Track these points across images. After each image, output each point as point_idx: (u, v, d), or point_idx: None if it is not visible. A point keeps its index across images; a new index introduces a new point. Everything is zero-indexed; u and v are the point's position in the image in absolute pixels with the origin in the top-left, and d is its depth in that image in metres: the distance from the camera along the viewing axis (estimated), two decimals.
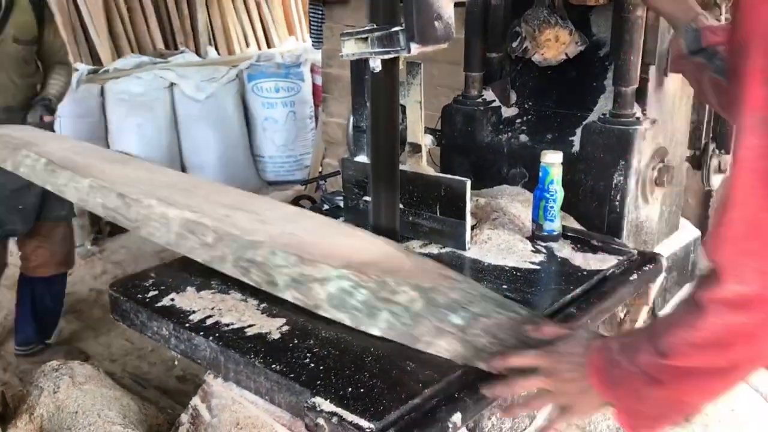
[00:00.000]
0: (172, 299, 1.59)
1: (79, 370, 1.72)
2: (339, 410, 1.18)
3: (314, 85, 5.27)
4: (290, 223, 1.58)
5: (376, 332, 1.35)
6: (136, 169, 1.96)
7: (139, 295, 1.62)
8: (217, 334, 1.43)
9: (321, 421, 1.18)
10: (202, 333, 1.44)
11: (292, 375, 1.28)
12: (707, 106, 1.86)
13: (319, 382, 1.25)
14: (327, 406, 1.19)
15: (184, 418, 1.60)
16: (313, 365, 1.31)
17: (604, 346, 1.12)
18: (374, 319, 1.34)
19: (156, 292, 1.63)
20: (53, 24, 3.11)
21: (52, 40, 3.07)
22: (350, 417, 1.16)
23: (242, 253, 1.47)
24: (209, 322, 1.48)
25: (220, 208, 1.61)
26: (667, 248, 2.23)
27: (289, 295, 1.43)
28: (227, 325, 1.47)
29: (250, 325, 1.46)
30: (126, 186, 1.69)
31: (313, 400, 1.21)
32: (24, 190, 2.74)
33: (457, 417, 1.21)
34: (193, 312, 1.53)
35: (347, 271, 1.33)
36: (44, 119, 2.87)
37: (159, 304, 1.58)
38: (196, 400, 1.56)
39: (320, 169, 4.59)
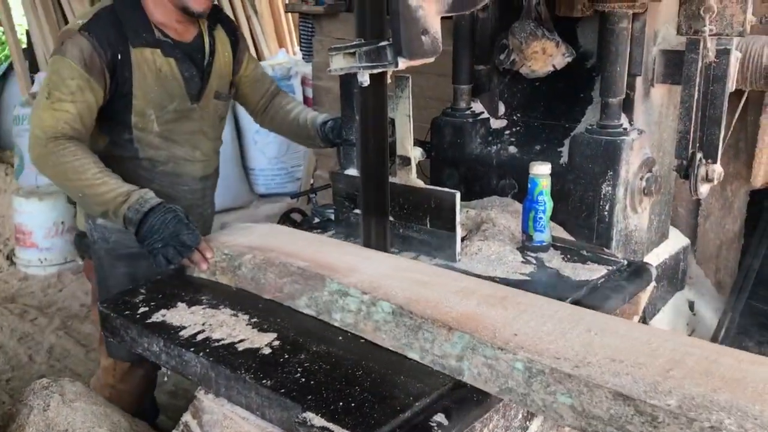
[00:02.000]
0: (163, 315, 1.59)
1: (69, 388, 1.71)
2: (330, 425, 1.18)
3: (305, 98, 5.28)
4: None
5: None
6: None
7: (130, 312, 1.62)
8: (207, 350, 1.43)
9: None
10: (192, 349, 1.44)
11: (283, 390, 1.28)
12: (693, 116, 1.88)
13: (310, 397, 1.25)
14: (318, 421, 1.19)
15: None
16: (304, 380, 1.31)
17: None
18: None
19: (146, 308, 1.62)
20: (248, 52, 2.36)
21: (256, 76, 2.37)
22: None
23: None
24: (200, 337, 1.48)
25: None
26: (656, 257, 2.25)
27: None
28: (218, 340, 1.46)
29: (240, 341, 1.46)
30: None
31: (304, 415, 1.21)
32: None
33: (447, 429, 1.21)
34: (184, 328, 1.52)
35: None
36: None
37: (149, 320, 1.57)
38: (187, 416, 1.55)
39: (311, 182, 4.59)
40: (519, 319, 1.35)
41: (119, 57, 1.94)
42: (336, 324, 1.50)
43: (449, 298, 1.44)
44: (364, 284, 1.50)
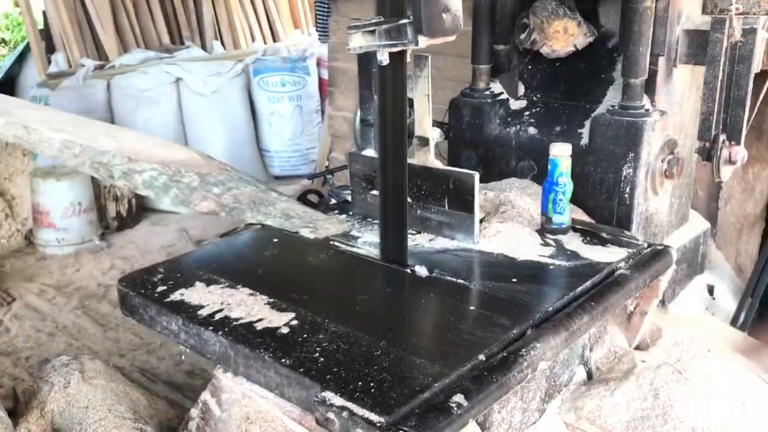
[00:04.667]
0: (182, 294, 1.59)
1: (89, 365, 1.73)
2: (349, 404, 1.18)
3: (320, 79, 5.25)
4: (136, 142, 2.19)
5: (167, 201, 1.98)
6: (44, 111, 2.62)
7: (149, 290, 1.63)
8: (226, 329, 1.43)
9: (331, 415, 1.18)
10: (211, 327, 1.44)
11: (301, 369, 1.28)
12: (717, 97, 1.84)
13: (328, 377, 1.25)
14: (337, 400, 1.19)
15: (194, 412, 1.59)
16: (322, 359, 1.31)
17: None
18: (167, 193, 1.92)
19: (165, 287, 1.63)
20: None
21: None
22: (360, 411, 1.16)
23: (95, 158, 2.00)
24: (218, 316, 1.48)
25: (91, 134, 2.17)
26: (676, 240, 2.22)
27: (120, 183, 1.97)
28: (236, 319, 1.47)
29: (259, 320, 1.46)
30: (30, 121, 2.21)
31: (323, 394, 1.21)
32: None
33: (466, 410, 1.21)
34: (203, 306, 1.53)
35: (156, 165, 1.94)
36: None
37: (168, 299, 1.58)
38: (205, 395, 1.56)
39: (327, 163, 4.58)
40: None
41: None
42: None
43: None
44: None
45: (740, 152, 1.91)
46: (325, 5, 4.09)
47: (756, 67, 1.88)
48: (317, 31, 4.61)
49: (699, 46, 1.96)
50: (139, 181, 1.95)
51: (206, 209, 1.94)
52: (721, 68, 1.83)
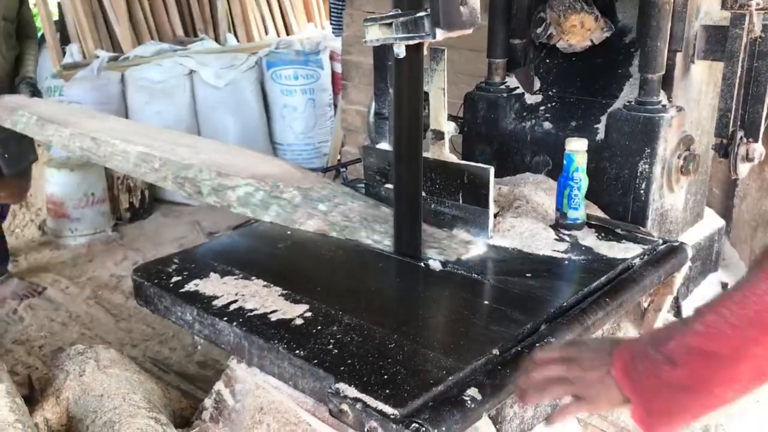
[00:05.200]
0: (196, 284, 1.60)
1: (104, 354, 1.74)
2: (363, 396, 1.18)
3: (333, 73, 5.25)
4: (219, 153, 2.10)
5: (267, 219, 1.85)
6: (109, 122, 2.54)
7: (163, 281, 1.63)
8: (240, 320, 1.44)
9: (345, 406, 1.18)
10: (226, 318, 1.45)
11: (315, 361, 1.29)
12: (735, 94, 1.83)
13: (342, 368, 1.26)
14: (351, 392, 1.19)
15: (208, 402, 1.60)
16: (336, 351, 1.31)
17: (633, 340, 1.09)
18: (267, 210, 1.83)
19: (179, 278, 1.64)
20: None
21: (28, 16, 3.35)
22: (374, 403, 1.16)
23: (179, 173, 1.90)
24: (233, 307, 1.49)
25: (168, 145, 2.06)
26: (691, 237, 2.21)
27: (210, 200, 1.87)
28: (251, 310, 1.47)
29: (273, 311, 1.46)
30: (98, 132, 2.16)
31: (337, 385, 1.21)
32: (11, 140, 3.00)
33: (480, 404, 1.21)
34: (217, 297, 1.53)
35: (251, 180, 1.82)
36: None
37: (183, 290, 1.59)
38: (219, 385, 1.57)
39: (339, 157, 4.58)
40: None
41: None
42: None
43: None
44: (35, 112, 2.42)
45: (758, 149, 1.89)
46: None
47: None
48: (331, 24, 4.61)
49: (717, 42, 1.95)
50: (233, 198, 1.81)
51: (314, 228, 1.79)
52: (740, 64, 1.82)
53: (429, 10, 1.45)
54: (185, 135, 2.58)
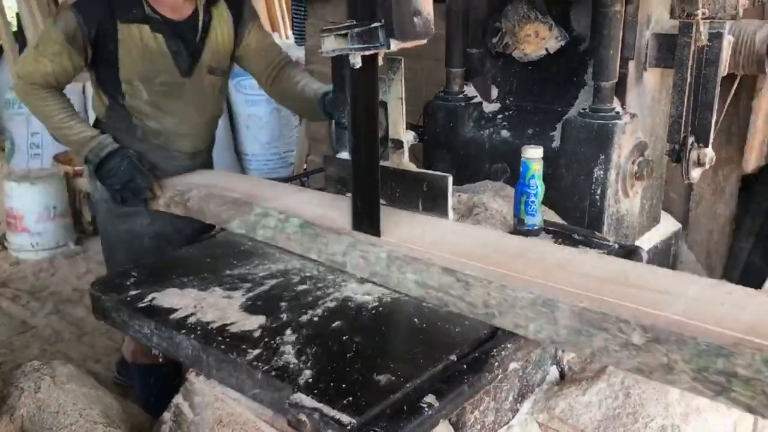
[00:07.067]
0: (154, 297, 1.59)
1: (61, 370, 1.71)
2: (321, 406, 1.18)
3: None
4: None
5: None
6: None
7: (121, 294, 1.62)
8: (198, 332, 1.43)
9: (303, 417, 1.19)
10: (183, 331, 1.44)
11: (273, 372, 1.29)
12: (685, 100, 1.87)
13: (300, 379, 1.26)
14: (309, 402, 1.20)
15: (167, 416, 1.59)
16: (294, 362, 1.32)
17: None
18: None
19: (138, 291, 1.62)
20: (254, 24, 2.35)
21: (270, 44, 2.43)
22: (332, 413, 1.17)
23: (707, 363, 1.08)
24: (191, 320, 1.48)
25: (594, 283, 1.28)
26: (648, 241, 2.25)
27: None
28: (209, 322, 1.46)
29: (231, 323, 1.46)
30: (453, 261, 1.47)
31: (294, 396, 1.22)
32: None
33: (438, 410, 1.22)
34: (175, 310, 1.52)
35: None
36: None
37: (141, 303, 1.57)
38: (178, 398, 1.56)
39: (305, 166, 4.58)
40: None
41: (104, 32, 2.09)
42: (259, 238, 1.88)
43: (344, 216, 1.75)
44: (281, 207, 1.86)
45: (708, 154, 1.94)
46: (302, 8, 4.09)
47: (723, 70, 1.91)
48: (294, 34, 4.61)
49: (668, 50, 2.00)
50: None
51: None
52: (689, 72, 1.86)
53: (383, 21, 1.47)
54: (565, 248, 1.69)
